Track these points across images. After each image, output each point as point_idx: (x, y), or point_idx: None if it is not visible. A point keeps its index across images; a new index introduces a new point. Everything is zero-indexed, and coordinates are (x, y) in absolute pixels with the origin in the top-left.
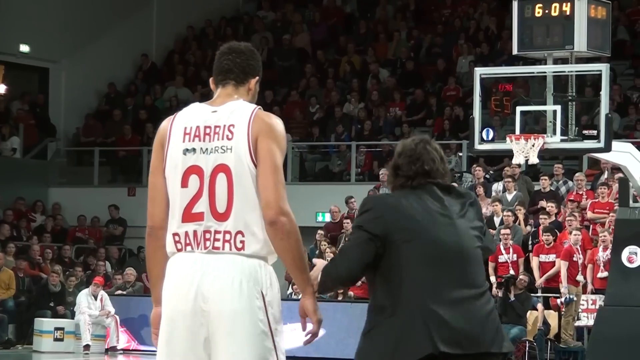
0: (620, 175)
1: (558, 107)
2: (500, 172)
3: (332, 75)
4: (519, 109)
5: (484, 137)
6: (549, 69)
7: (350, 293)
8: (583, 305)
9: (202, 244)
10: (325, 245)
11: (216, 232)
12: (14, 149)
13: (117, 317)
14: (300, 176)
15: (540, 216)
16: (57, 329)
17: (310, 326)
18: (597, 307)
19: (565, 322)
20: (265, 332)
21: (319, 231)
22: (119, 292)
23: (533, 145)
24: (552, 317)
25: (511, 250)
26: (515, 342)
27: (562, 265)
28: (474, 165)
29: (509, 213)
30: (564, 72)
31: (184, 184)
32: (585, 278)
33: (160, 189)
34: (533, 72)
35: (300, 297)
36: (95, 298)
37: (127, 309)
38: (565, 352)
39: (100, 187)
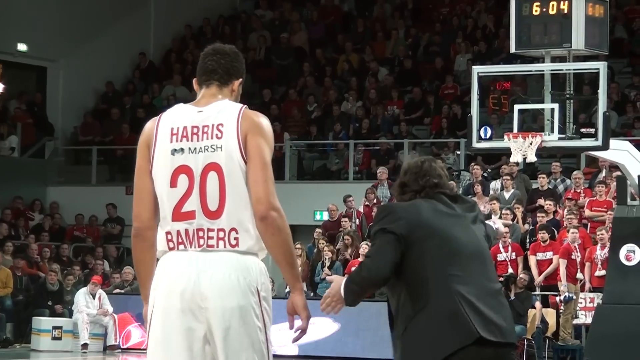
0: (618, 173)
1: (556, 105)
2: (498, 170)
3: (329, 74)
4: (516, 107)
5: (482, 135)
6: (547, 67)
7: None
8: (581, 303)
9: (195, 242)
10: (323, 243)
11: (209, 230)
12: (12, 148)
13: (115, 316)
14: (298, 175)
15: (538, 214)
16: (55, 327)
17: (298, 323)
18: (595, 305)
19: (564, 320)
20: (259, 327)
21: (317, 230)
22: (117, 290)
23: (531, 144)
24: (550, 315)
25: (510, 248)
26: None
27: (560, 264)
28: (472, 164)
29: (507, 211)
30: (562, 70)
31: (173, 184)
32: (582, 275)
33: (147, 189)
34: (531, 71)
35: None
36: (94, 297)
37: (125, 308)
38: (563, 350)
39: (98, 186)
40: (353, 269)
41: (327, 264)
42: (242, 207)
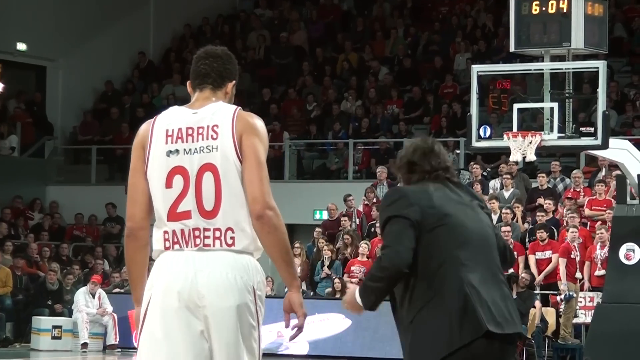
0: (618, 172)
1: (555, 105)
2: (497, 169)
3: (329, 73)
4: (516, 106)
5: (482, 134)
6: (546, 66)
7: None
8: (581, 302)
9: (191, 242)
10: (322, 243)
11: (205, 229)
12: (12, 148)
13: (115, 315)
14: (298, 174)
15: (538, 213)
16: (54, 327)
17: (294, 321)
18: (595, 304)
19: (565, 319)
20: (254, 325)
21: (317, 229)
22: (117, 290)
23: (530, 143)
24: (550, 314)
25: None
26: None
27: (560, 263)
28: (472, 163)
29: (507, 210)
30: (561, 69)
31: (168, 184)
32: (582, 275)
33: (141, 189)
34: (530, 70)
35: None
36: (93, 296)
37: (124, 307)
38: (563, 349)
39: (97, 185)
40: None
41: (327, 263)
42: (237, 206)
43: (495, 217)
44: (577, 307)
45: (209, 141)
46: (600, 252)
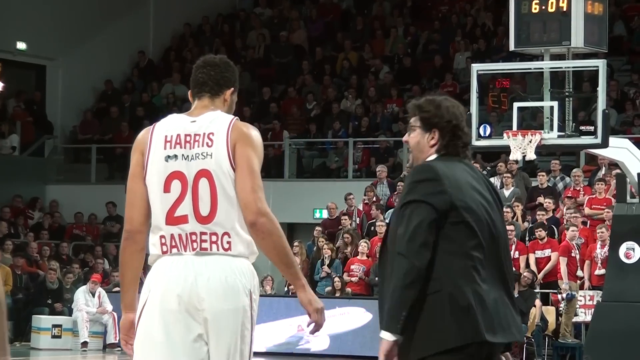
0: (618, 171)
1: (555, 103)
2: (496, 167)
3: (329, 72)
4: (516, 105)
5: (481, 133)
6: (546, 65)
7: (348, 290)
8: (580, 301)
9: (189, 246)
10: (322, 242)
11: (202, 233)
12: (13, 147)
13: (115, 314)
14: (298, 173)
15: (538, 212)
16: (54, 326)
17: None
18: (595, 303)
19: (567, 318)
20: (248, 328)
21: (317, 228)
22: (117, 289)
23: (530, 141)
24: (550, 313)
25: (514, 247)
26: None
27: (561, 262)
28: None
29: (508, 209)
30: (561, 68)
31: (166, 189)
32: (583, 274)
33: (140, 193)
34: (530, 69)
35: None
36: (93, 295)
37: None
38: (562, 348)
39: (97, 184)
40: (353, 266)
41: (327, 262)
42: (232, 212)
43: None
44: (577, 306)
45: (204, 148)
46: (601, 251)
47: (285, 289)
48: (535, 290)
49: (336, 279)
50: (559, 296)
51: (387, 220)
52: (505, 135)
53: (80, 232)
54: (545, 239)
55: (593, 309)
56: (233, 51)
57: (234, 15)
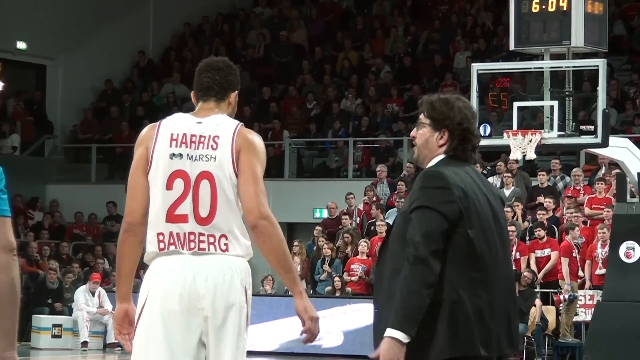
0: (618, 170)
1: (555, 103)
2: (496, 167)
3: (329, 72)
4: (516, 104)
5: (482, 132)
6: (546, 64)
7: (348, 289)
8: (581, 300)
9: (187, 245)
10: (322, 241)
11: (200, 234)
12: (14, 147)
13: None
14: (298, 172)
15: (539, 212)
16: (55, 325)
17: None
18: (595, 302)
19: (567, 318)
20: (244, 325)
21: (317, 227)
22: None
23: (530, 141)
24: (550, 312)
25: (515, 247)
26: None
27: (562, 262)
28: None
29: (508, 209)
30: (561, 67)
31: (169, 186)
32: (583, 273)
33: (142, 186)
34: (530, 68)
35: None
36: (93, 295)
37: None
38: (563, 348)
39: (97, 184)
40: (353, 266)
41: (327, 261)
42: (231, 216)
43: None
44: (578, 306)
45: (208, 150)
46: (601, 251)
47: (285, 287)
48: (536, 290)
49: (336, 278)
50: (561, 297)
51: (387, 220)
52: (505, 134)
53: (80, 231)
54: (545, 238)
55: (593, 309)
56: (233, 51)
57: (234, 14)
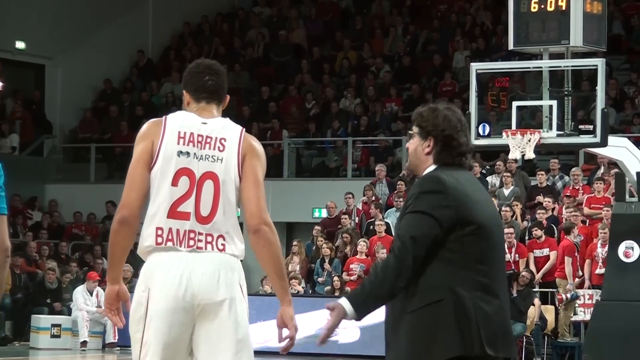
0: (617, 170)
1: (554, 102)
2: (494, 166)
3: (328, 71)
4: (515, 104)
5: (481, 132)
6: (545, 64)
7: (348, 289)
8: (580, 300)
9: (185, 243)
10: (321, 241)
11: (199, 233)
12: (13, 147)
13: None
14: (297, 172)
15: (538, 211)
16: (54, 325)
17: (286, 331)
18: (594, 302)
19: (565, 317)
20: (245, 320)
21: (316, 227)
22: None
23: (529, 140)
24: (550, 312)
25: (513, 249)
26: (517, 340)
27: (566, 263)
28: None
29: (507, 208)
30: (560, 67)
31: (175, 183)
32: (583, 273)
33: (143, 179)
34: (529, 67)
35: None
36: (91, 294)
37: (123, 305)
38: (562, 347)
39: (96, 184)
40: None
41: (327, 261)
42: (230, 217)
43: None
44: (577, 305)
45: (215, 151)
46: (602, 250)
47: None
48: (535, 290)
49: (335, 278)
50: (564, 296)
51: (386, 220)
52: (504, 134)
53: (79, 231)
54: (543, 238)
55: (592, 308)
56: (232, 50)
57: (233, 14)
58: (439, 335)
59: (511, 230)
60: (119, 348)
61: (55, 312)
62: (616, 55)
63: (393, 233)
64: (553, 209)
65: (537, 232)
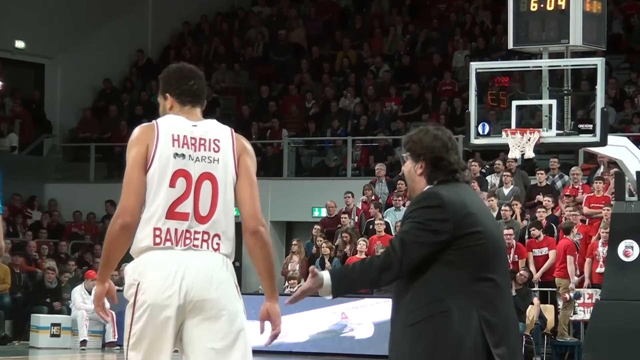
0: (616, 169)
1: (554, 102)
2: (494, 165)
3: (327, 70)
4: (514, 103)
5: (480, 131)
6: (545, 63)
7: None
8: (580, 299)
9: (182, 242)
10: (321, 240)
11: (196, 232)
12: (13, 147)
13: (113, 312)
14: (297, 171)
15: (538, 210)
16: (53, 325)
17: (268, 326)
18: (594, 301)
19: (564, 316)
20: (241, 318)
21: (315, 226)
22: (116, 287)
23: (529, 140)
24: (549, 311)
25: (512, 251)
26: None
27: (569, 261)
28: (470, 160)
29: (507, 208)
30: (560, 66)
31: (172, 184)
32: (582, 272)
33: (141, 183)
34: (529, 67)
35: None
36: (90, 292)
37: (123, 305)
38: (561, 347)
39: (96, 183)
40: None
41: (327, 260)
42: (227, 216)
43: (494, 214)
44: (576, 304)
45: (211, 152)
46: (603, 249)
47: (285, 284)
48: (534, 289)
49: None
50: (567, 295)
51: (386, 219)
52: (504, 133)
53: (78, 230)
54: (542, 237)
55: (592, 308)
56: (232, 50)
57: (233, 13)
58: (442, 347)
59: (510, 231)
60: (118, 347)
61: (55, 312)
62: (616, 54)
63: (392, 233)
64: (553, 208)
65: (535, 232)
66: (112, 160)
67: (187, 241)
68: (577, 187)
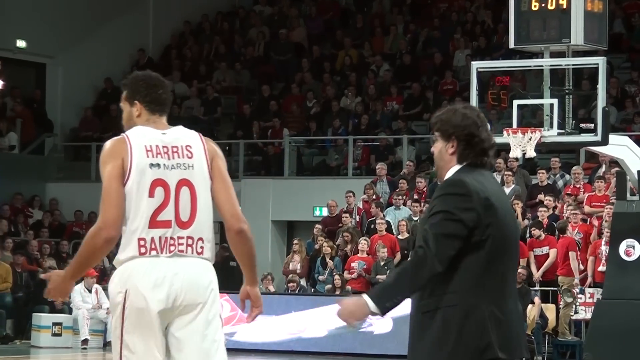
0: (618, 168)
1: (555, 101)
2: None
3: (328, 70)
4: (516, 102)
5: None
6: (546, 62)
7: (348, 287)
8: (581, 298)
9: (166, 249)
10: (322, 240)
11: (180, 237)
12: (12, 146)
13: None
14: (298, 171)
15: (540, 209)
16: (55, 324)
17: (248, 305)
18: (595, 300)
19: (565, 315)
20: (219, 321)
21: (317, 226)
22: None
23: (530, 139)
24: (550, 310)
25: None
26: None
27: (571, 258)
28: None
29: None
30: (561, 65)
31: (151, 194)
32: (585, 270)
33: (119, 194)
34: (530, 66)
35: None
36: (90, 291)
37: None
38: (563, 346)
39: (97, 182)
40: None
41: (328, 260)
42: (207, 219)
43: None
44: (577, 303)
45: (185, 159)
46: (605, 248)
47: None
48: (535, 288)
49: (336, 276)
50: (574, 290)
51: (387, 218)
52: (505, 132)
53: (80, 230)
54: (542, 237)
55: (593, 307)
56: (232, 49)
57: (234, 13)
58: (450, 340)
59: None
60: None
61: (56, 311)
62: (617, 53)
63: (394, 232)
64: (554, 208)
65: (536, 231)
66: None
67: (172, 247)
68: (578, 186)
